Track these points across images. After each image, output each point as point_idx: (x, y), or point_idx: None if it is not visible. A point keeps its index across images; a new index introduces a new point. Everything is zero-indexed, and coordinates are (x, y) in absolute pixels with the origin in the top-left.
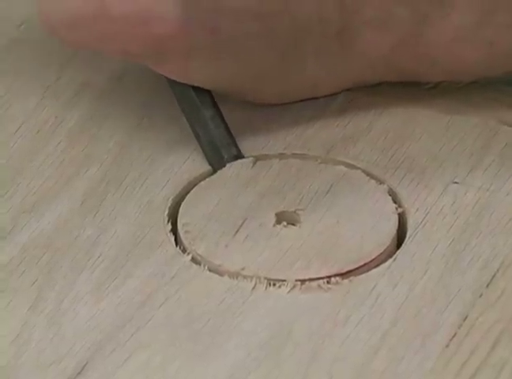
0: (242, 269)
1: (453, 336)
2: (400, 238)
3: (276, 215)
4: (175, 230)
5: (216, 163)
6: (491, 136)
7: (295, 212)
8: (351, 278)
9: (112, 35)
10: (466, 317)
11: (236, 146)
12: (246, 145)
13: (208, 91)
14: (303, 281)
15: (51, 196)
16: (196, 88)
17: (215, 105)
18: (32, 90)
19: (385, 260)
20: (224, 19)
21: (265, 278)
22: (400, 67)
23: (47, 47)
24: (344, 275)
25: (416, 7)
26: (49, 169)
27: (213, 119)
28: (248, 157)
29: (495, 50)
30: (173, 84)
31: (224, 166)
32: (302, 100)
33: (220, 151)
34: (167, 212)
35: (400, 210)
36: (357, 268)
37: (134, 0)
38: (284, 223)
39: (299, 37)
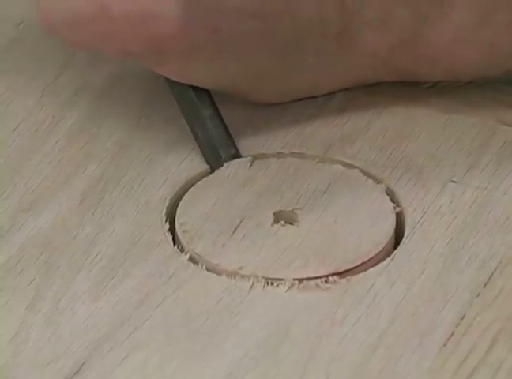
0: (240, 268)
1: (451, 335)
2: (397, 237)
3: (274, 214)
4: (172, 230)
5: (214, 162)
6: (489, 135)
7: (292, 211)
8: (348, 277)
9: (112, 35)
10: (464, 316)
11: (234, 146)
12: (245, 144)
13: (207, 91)
14: (300, 280)
15: (49, 195)
16: (195, 88)
17: (213, 105)
18: (30, 89)
19: (382, 260)
20: (224, 18)
21: (263, 277)
22: (399, 67)
23: (45, 47)
24: (341, 274)
25: (415, 7)
26: (47, 168)
27: (212, 119)
28: (246, 156)
29: (495, 50)
30: (172, 83)
31: (222, 165)
32: (301, 99)
33: (218, 151)
34: (164, 212)
35: (397, 209)
36: (355, 267)
37: (134, 0)
38: (282, 223)
39: (299, 37)
